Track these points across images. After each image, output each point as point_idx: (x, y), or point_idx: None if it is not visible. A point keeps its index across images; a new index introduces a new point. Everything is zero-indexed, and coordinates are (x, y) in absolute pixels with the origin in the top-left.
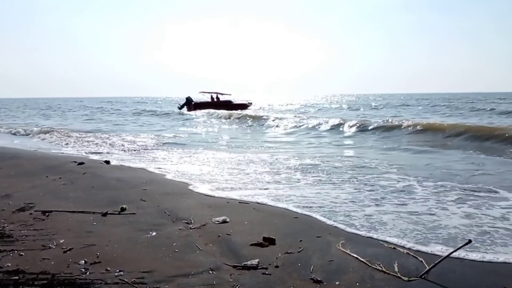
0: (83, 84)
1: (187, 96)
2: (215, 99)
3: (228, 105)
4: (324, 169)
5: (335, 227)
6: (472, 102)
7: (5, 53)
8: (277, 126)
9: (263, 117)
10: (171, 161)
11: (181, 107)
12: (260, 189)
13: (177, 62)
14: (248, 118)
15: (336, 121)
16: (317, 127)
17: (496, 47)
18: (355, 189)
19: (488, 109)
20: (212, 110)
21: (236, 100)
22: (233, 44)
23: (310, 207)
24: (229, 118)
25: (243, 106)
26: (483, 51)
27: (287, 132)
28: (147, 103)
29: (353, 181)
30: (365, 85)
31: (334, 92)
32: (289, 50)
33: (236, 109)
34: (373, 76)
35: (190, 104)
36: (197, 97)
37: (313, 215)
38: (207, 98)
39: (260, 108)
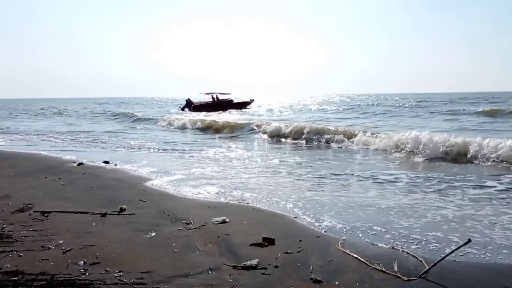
0: (83, 84)
1: (187, 98)
2: (215, 99)
3: (229, 105)
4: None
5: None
6: (452, 102)
7: (4, 53)
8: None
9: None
10: None
11: (182, 109)
12: None
13: (178, 63)
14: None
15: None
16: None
17: (495, 48)
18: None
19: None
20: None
21: (237, 99)
22: (234, 44)
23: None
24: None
25: (244, 104)
26: (483, 51)
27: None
28: (127, 103)
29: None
30: (365, 85)
31: (334, 92)
32: (289, 50)
33: (237, 108)
34: (373, 76)
35: (190, 106)
36: (197, 98)
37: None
38: (207, 98)
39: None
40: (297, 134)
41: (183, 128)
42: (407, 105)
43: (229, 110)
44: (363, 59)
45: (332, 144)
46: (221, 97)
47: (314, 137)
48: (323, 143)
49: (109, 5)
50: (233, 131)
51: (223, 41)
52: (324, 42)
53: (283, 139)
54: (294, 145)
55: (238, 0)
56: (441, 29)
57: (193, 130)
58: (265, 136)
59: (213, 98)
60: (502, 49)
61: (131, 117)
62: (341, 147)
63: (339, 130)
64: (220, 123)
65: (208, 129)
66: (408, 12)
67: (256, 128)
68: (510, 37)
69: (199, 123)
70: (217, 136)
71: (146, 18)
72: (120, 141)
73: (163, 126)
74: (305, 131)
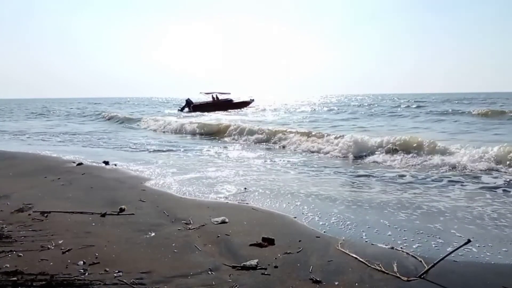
0: (83, 84)
1: (186, 98)
2: (215, 99)
3: (229, 104)
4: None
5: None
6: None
7: (4, 53)
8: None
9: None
10: None
11: (182, 109)
12: None
13: (178, 62)
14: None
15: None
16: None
17: (495, 48)
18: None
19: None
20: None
21: (237, 99)
22: (234, 44)
23: None
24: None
25: (244, 104)
26: (482, 51)
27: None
28: (122, 103)
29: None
30: (365, 85)
31: (333, 92)
32: (289, 50)
33: (237, 108)
34: (373, 76)
35: (190, 106)
36: (197, 98)
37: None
38: (207, 98)
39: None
40: (276, 137)
41: (159, 129)
42: (399, 106)
43: (228, 110)
44: (363, 59)
45: (302, 146)
46: (221, 97)
47: (295, 139)
48: (293, 146)
49: (109, 5)
50: (213, 132)
51: (223, 41)
52: (324, 43)
53: (265, 142)
54: (266, 145)
55: (238, 0)
56: (443, 29)
57: (177, 132)
58: (244, 138)
59: (213, 98)
60: (501, 49)
61: (109, 118)
62: (314, 152)
63: (322, 134)
64: (202, 124)
65: (192, 130)
66: (408, 12)
67: (234, 130)
68: (510, 37)
69: (170, 122)
70: (199, 137)
71: (146, 18)
72: (114, 141)
73: (144, 127)
74: (281, 134)
